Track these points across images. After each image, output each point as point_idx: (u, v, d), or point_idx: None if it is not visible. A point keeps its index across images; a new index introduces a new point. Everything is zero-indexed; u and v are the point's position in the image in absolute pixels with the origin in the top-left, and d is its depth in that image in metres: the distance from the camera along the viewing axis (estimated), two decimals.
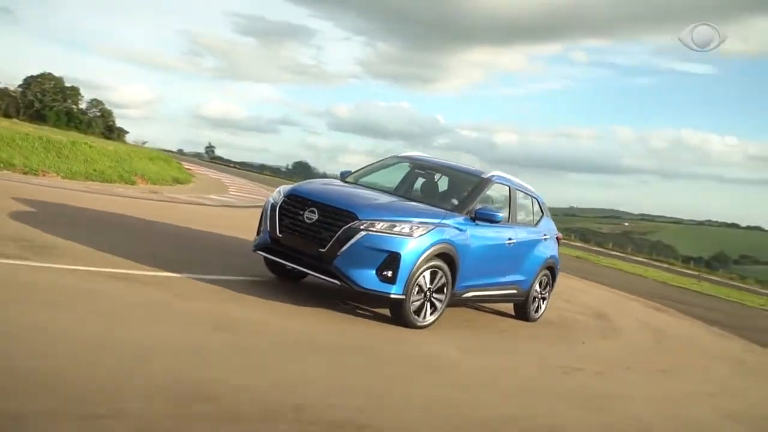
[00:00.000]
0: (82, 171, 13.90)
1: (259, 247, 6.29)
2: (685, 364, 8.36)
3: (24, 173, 12.23)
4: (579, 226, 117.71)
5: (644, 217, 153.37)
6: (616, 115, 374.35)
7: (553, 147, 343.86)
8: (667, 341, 9.95)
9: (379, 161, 7.81)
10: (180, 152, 70.81)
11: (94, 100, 78.36)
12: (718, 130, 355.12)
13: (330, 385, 4.10)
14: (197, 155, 76.26)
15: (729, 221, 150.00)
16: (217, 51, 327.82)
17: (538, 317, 8.11)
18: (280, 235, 6.03)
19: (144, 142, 65.69)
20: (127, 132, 76.69)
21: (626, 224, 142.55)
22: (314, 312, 5.90)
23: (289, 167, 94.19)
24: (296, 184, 6.66)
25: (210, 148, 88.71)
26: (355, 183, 7.10)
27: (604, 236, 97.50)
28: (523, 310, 7.94)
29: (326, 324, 5.65)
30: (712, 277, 39.25)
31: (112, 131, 72.83)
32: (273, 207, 6.19)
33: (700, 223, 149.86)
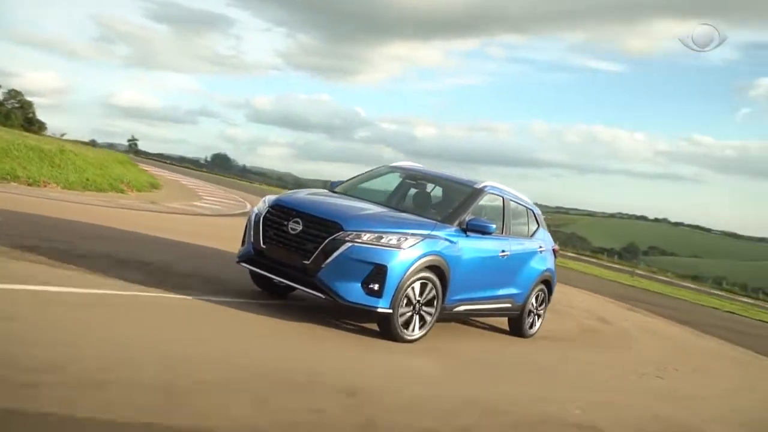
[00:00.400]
0: (78, 180, 13.88)
1: (243, 258, 6.12)
2: (703, 365, 9.61)
3: (28, 185, 12.31)
4: None
5: (559, 210, 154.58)
6: (532, 109, 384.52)
7: (471, 141, 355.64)
8: (674, 345, 11.02)
9: (369, 171, 7.64)
10: (93, 143, 66.50)
11: (12, 90, 69.99)
12: (628, 126, 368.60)
13: None
14: (111, 146, 71.52)
15: (638, 213, 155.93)
16: (129, 38, 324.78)
17: (534, 333, 7.87)
18: (264, 247, 5.86)
19: (63, 134, 62.24)
20: (45, 124, 71.61)
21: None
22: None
23: (208, 159, 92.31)
24: (282, 193, 6.52)
25: (133, 141, 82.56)
26: (344, 194, 6.91)
27: None
28: (517, 325, 7.70)
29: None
30: (639, 271, 40.21)
31: (32, 124, 66.62)
32: (257, 217, 6.03)
33: (611, 216, 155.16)
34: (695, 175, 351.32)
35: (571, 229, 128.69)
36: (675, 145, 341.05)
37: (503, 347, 7.18)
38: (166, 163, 59.47)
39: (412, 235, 5.72)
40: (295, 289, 6.29)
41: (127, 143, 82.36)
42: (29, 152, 14.22)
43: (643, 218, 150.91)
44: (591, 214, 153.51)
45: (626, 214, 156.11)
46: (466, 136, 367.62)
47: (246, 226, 6.28)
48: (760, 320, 21.10)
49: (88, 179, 14.25)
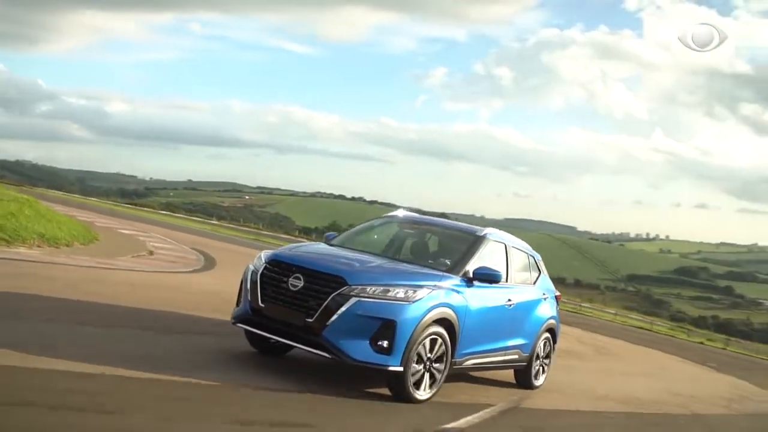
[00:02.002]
0: (60, 236, 12.87)
1: (239, 319, 5.79)
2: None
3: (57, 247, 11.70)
4: (202, 201, 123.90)
5: (262, 190, 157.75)
6: (230, 88, 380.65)
7: (168, 118, 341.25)
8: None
9: (365, 223, 7.47)
10: None
11: None
12: (322, 108, 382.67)
13: None
14: None
15: (337, 193, 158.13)
16: None
17: (540, 384, 7.56)
18: (262, 305, 5.55)
19: None
20: None
21: (247, 197, 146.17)
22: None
23: None
24: (278, 249, 6.28)
25: None
26: (342, 246, 6.66)
27: (227, 210, 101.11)
28: (525, 377, 7.38)
29: None
30: None
31: None
32: (254, 274, 5.74)
33: (313, 195, 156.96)
34: (384, 156, 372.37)
35: (275, 210, 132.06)
36: (366, 126, 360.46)
37: None
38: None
39: (420, 287, 5.47)
40: (292, 348, 6.02)
41: None
42: (22, 206, 13.53)
43: (342, 197, 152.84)
44: (293, 194, 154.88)
45: (326, 194, 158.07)
46: (162, 113, 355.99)
47: (241, 284, 5.97)
48: None
49: (62, 233, 13.07)
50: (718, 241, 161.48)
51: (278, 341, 5.62)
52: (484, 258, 6.33)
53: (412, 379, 5.40)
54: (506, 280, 6.65)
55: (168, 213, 56.80)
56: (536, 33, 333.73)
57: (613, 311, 43.32)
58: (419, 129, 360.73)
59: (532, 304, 7.19)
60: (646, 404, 8.76)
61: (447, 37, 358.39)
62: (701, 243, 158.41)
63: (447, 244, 6.86)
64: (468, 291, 5.92)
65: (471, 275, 6.01)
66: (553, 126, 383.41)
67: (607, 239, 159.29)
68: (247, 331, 5.96)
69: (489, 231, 6.78)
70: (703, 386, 13.08)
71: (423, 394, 5.54)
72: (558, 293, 8.00)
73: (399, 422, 5.19)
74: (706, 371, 17.24)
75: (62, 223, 14.93)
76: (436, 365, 5.58)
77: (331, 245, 6.69)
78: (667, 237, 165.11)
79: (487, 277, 6.04)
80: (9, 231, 11.25)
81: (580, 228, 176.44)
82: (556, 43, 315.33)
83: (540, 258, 7.78)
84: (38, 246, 11.49)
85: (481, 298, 6.10)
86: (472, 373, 7.14)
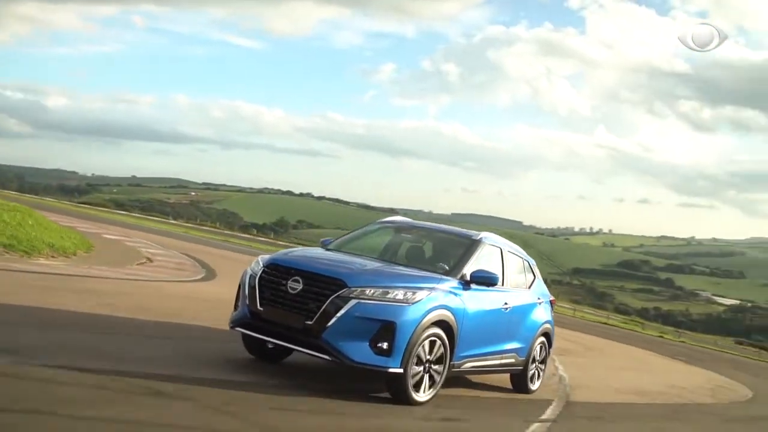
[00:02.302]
0: (67, 246, 12.86)
1: (237, 323, 5.68)
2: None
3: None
4: (148, 197, 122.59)
5: (209, 186, 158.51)
6: (175, 83, 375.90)
7: (110, 113, 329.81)
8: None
9: (361, 228, 7.40)
10: None
11: None
12: (268, 102, 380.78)
13: None
14: None
15: (284, 188, 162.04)
16: None
17: (536, 389, 7.56)
18: (261, 309, 5.45)
19: None
20: None
21: (193, 194, 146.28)
22: None
23: None
24: (276, 253, 6.20)
25: None
26: (339, 250, 6.60)
27: (172, 206, 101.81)
28: (521, 381, 7.38)
29: None
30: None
31: None
32: (252, 278, 5.64)
33: (260, 191, 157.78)
34: (332, 151, 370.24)
35: (223, 206, 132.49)
36: (312, 122, 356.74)
37: None
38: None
39: (419, 288, 5.46)
40: (289, 353, 5.96)
41: None
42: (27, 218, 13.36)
43: (290, 193, 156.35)
44: (240, 190, 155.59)
45: (273, 189, 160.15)
46: (104, 107, 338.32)
47: (239, 288, 5.86)
48: None
49: (65, 243, 13.01)
50: (659, 235, 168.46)
51: (277, 345, 5.55)
52: (480, 261, 6.33)
53: (411, 381, 5.38)
54: (502, 284, 6.67)
55: (125, 213, 55.55)
56: (483, 29, 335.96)
57: (570, 306, 44.31)
58: (367, 124, 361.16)
59: (527, 308, 7.22)
60: (655, 395, 9.99)
61: (395, 32, 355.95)
62: (643, 237, 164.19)
63: (443, 249, 6.85)
64: (466, 294, 5.93)
65: (468, 278, 6.01)
66: (500, 122, 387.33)
67: (552, 233, 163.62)
68: (244, 337, 5.88)
69: (485, 235, 6.79)
70: (686, 378, 14.27)
71: (422, 396, 5.52)
72: (552, 298, 8.05)
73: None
74: (680, 364, 18.80)
75: (62, 232, 14.99)
76: (435, 367, 5.58)
77: (328, 250, 6.63)
78: (611, 231, 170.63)
79: (485, 279, 6.05)
80: (24, 242, 11.26)
81: (526, 222, 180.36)
82: (502, 40, 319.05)
83: (534, 263, 7.82)
84: (52, 256, 11.46)
85: (478, 301, 6.11)
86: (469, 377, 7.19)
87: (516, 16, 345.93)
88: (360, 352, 5.13)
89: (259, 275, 5.58)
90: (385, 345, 5.15)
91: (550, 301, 7.91)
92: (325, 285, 5.28)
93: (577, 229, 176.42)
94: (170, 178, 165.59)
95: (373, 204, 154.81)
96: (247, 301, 5.56)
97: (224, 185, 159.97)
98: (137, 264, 13.87)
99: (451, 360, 5.75)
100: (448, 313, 5.63)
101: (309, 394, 5.38)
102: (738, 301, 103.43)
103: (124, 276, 11.09)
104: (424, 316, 5.35)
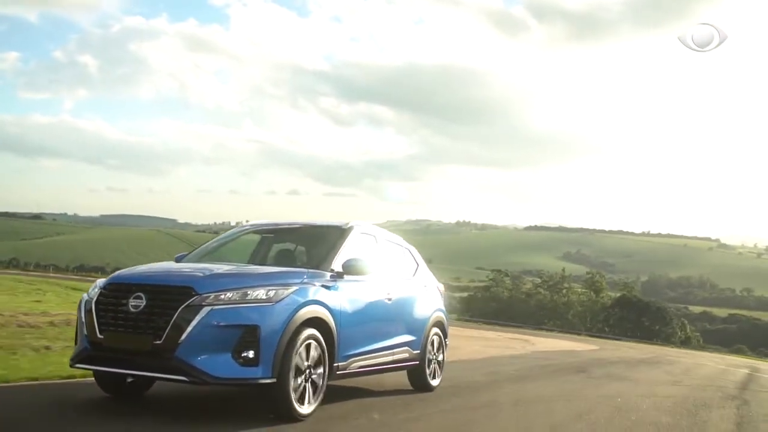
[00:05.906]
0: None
1: (76, 358, 4.93)
2: None
3: None
4: None
5: None
6: None
7: None
8: None
9: (220, 237, 6.80)
10: None
11: None
12: None
13: None
14: None
15: None
16: None
17: (437, 385, 7.02)
18: (102, 337, 4.71)
19: None
20: None
21: None
22: None
23: None
24: (116, 272, 5.47)
25: None
26: (196, 263, 5.91)
27: None
28: (419, 378, 6.84)
29: None
30: None
31: None
32: (87, 303, 4.93)
33: None
34: None
35: None
36: None
37: None
38: None
39: (284, 285, 4.88)
40: (152, 382, 5.26)
41: None
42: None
43: None
44: None
45: None
46: None
47: (77, 320, 5.11)
48: None
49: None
50: None
51: (133, 376, 4.87)
52: (352, 251, 5.80)
53: (294, 394, 4.75)
54: (382, 274, 6.17)
55: None
56: (120, 20, 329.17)
57: None
58: None
59: (413, 298, 6.73)
60: None
61: (11, 15, 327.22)
62: None
63: (312, 244, 6.36)
64: (341, 287, 5.40)
65: (340, 269, 5.48)
66: (144, 117, 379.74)
67: (211, 229, 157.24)
68: (94, 374, 5.17)
69: (355, 223, 6.29)
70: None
71: (306, 408, 4.89)
72: (441, 285, 7.59)
73: None
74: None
75: None
76: (315, 371, 4.99)
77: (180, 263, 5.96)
78: None
79: (356, 269, 5.52)
80: None
81: (181, 220, 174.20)
82: (144, 32, 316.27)
83: (416, 250, 7.34)
84: None
85: (356, 293, 5.60)
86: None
87: (155, 8, 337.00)
88: (222, 366, 4.47)
89: (95, 299, 4.87)
90: (251, 353, 4.52)
91: (440, 289, 7.44)
92: (171, 296, 4.62)
93: (233, 224, 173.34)
94: None
95: (11, 210, 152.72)
96: (85, 331, 4.82)
97: None
98: None
99: (333, 361, 5.19)
100: (322, 309, 5.08)
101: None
102: None
103: None
104: (293, 314, 4.76)
